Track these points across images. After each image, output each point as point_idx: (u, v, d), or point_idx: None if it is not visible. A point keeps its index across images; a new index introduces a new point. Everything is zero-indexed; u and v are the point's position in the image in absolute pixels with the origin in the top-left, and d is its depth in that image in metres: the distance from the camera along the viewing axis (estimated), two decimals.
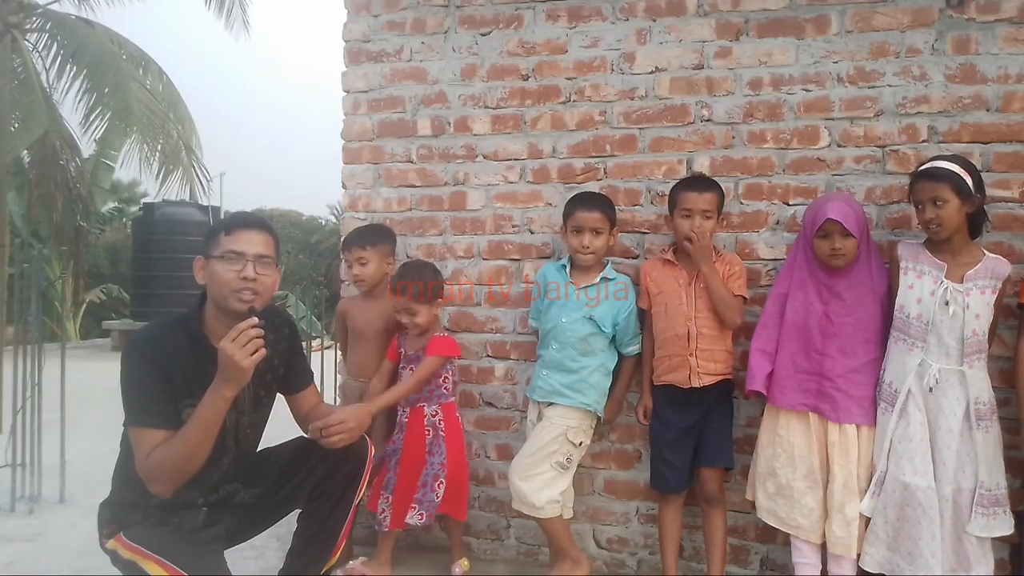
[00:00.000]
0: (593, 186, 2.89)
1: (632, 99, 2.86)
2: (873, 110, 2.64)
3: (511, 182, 3.00)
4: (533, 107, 2.96)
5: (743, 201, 2.77)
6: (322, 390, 3.18)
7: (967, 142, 2.56)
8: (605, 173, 2.90)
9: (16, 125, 8.19)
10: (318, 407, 2.31)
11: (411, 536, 3.12)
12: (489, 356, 3.03)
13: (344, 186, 3.21)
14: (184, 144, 9.84)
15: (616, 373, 2.75)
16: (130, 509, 2.01)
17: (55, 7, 9.22)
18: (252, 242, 2.00)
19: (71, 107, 8.77)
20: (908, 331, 2.33)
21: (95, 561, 2.39)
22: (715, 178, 2.73)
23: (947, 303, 2.26)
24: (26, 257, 4.31)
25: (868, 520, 2.34)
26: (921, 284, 2.32)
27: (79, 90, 8.56)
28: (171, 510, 2.01)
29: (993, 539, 2.24)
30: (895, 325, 2.38)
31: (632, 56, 2.85)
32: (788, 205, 2.73)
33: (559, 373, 2.67)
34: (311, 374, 2.37)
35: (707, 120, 2.79)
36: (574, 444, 2.64)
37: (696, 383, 2.56)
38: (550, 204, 2.93)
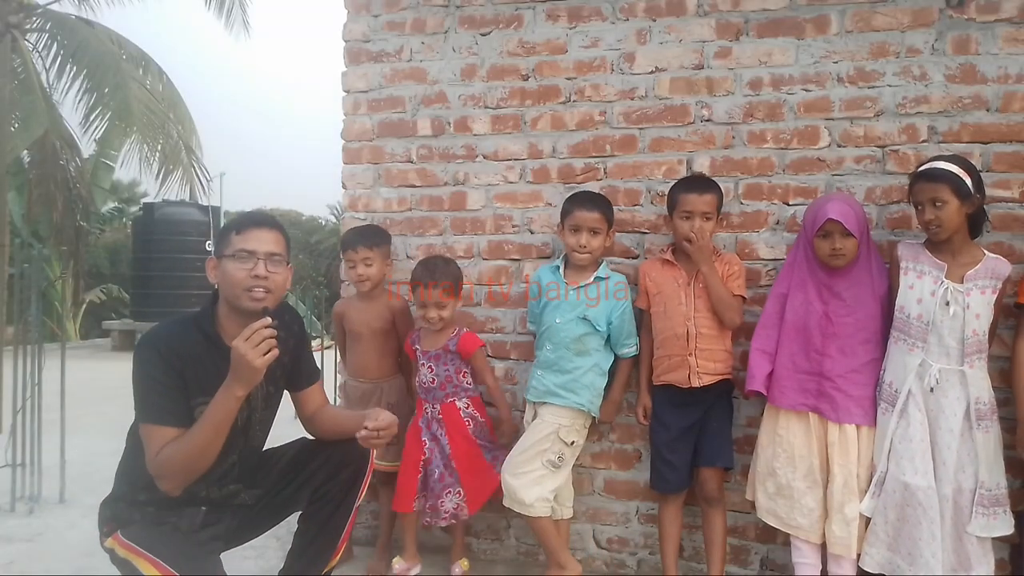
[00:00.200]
0: (593, 186, 2.89)
1: (632, 99, 2.86)
2: (873, 110, 2.64)
3: (511, 182, 3.00)
4: (533, 107, 2.96)
5: (743, 201, 2.77)
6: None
7: (967, 142, 2.56)
8: (605, 173, 2.90)
9: (16, 125, 8.18)
10: (325, 408, 2.30)
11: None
12: (489, 356, 3.03)
13: (344, 186, 3.21)
14: (184, 144, 9.83)
15: (612, 374, 2.74)
16: (130, 507, 2.01)
17: (55, 7, 9.21)
18: (263, 240, 2.02)
19: (71, 107, 8.77)
20: (908, 331, 2.33)
21: (95, 561, 2.40)
22: (715, 178, 2.73)
23: (947, 303, 2.26)
24: (26, 257, 4.30)
25: (868, 520, 2.34)
26: (921, 284, 2.32)
27: (79, 90, 8.55)
28: (170, 509, 2.01)
29: (993, 539, 2.24)
30: (895, 325, 2.38)
31: (632, 56, 2.85)
32: (788, 205, 2.73)
33: (553, 373, 2.67)
34: (318, 372, 2.37)
35: (707, 120, 2.79)
36: (566, 443, 2.63)
37: (695, 383, 2.56)
38: (550, 204, 2.93)
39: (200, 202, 10.89)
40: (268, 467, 2.23)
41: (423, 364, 2.80)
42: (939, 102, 2.58)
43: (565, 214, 2.72)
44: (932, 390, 2.26)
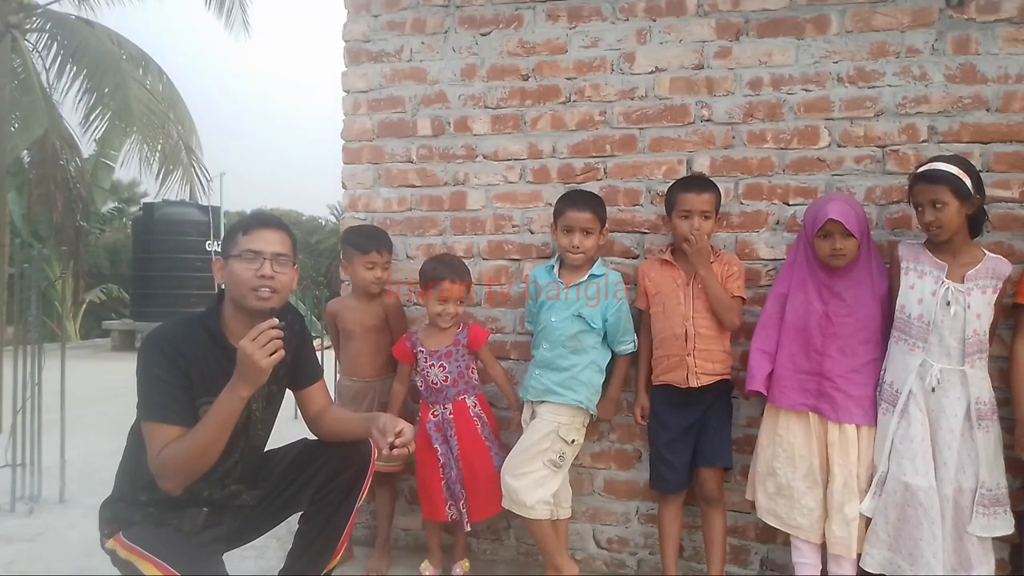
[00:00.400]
0: (593, 186, 2.89)
1: (632, 99, 2.86)
2: (873, 110, 2.64)
3: (511, 182, 3.00)
4: (533, 107, 2.96)
5: (743, 201, 2.77)
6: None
7: (967, 142, 2.56)
8: (605, 173, 2.90)
9: (16, 125, 8.18)
10: (329, 408, 2.30)
11: (411, 536, 3.12)
12: None
13: (344, 186, 3.21)
14: (184, 144, 9.82)
15: (610, 371, 2.74)
16: (130, 508, 2.01)
17: (55, 7, 9.20)
18: (269, 241, 2.03)
19: (71, 107, 8.77)
20: (909, 331, 2.33)
21: (95, 561, 2.40)
22: (715, 178, 2.73)
23: (948, 303, 2.26)
24: (26, 257, 4.30)
25: (868, 520, 2.34)
26: (922, 284, 2.32)
27: (79, 90, 8.55)
28: (171, 510, 2.01)
29: (993, 539, 2.24)
30: (896, 325, 2.38)
31: (632, 56, 2.85)
32: (788, 205, 2.73)
33: (551, 371, 2.67)
34: (320, 370, 2.36)
35: (707, 120, 2.79)
36: (566, 441, 2.63)
37: (694, 383, 2.56)
38: (550, 204, 2.93)
39: (200, 202, 10.88)
40: (269, 467, 2.23)
41: (432, 364, 2.76)
42: (939, 102, 2.58)
43: (557, 214, 2.72)
44: (933, 390, 2.26)
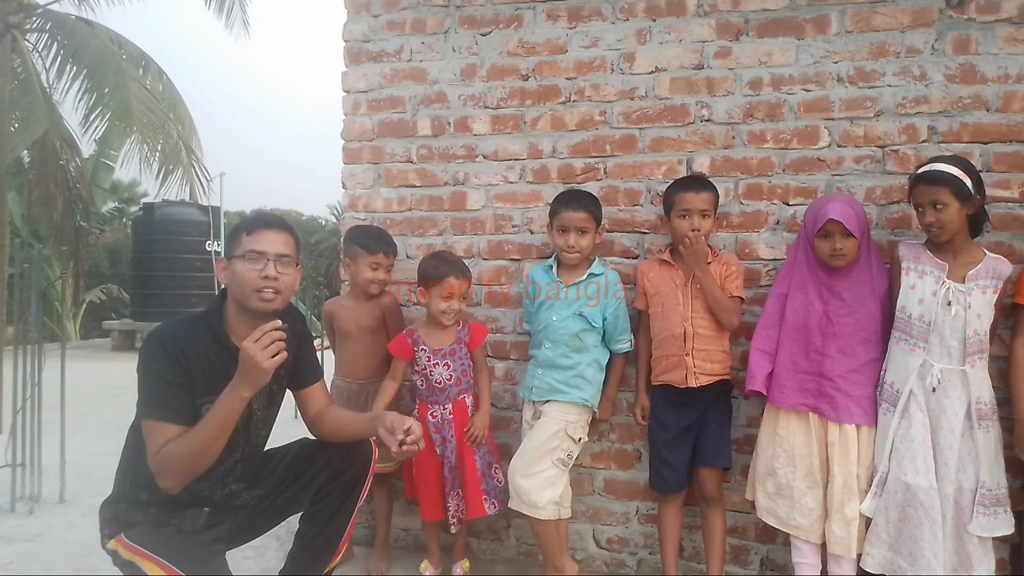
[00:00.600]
0: (593, 186, 2.89)
1: (632, 99, 2.86)
2: (873, 110, 2.64)
3: (511, 182, 3.00)
4: (533, 107, 2.96)
5: (743, 201, 2.77)
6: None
7: (967, 142, 2.56)
8: (605, 173, 2.90)
9: (16, 125, 8.18)
10: (330, 409, 2.29)
11: (411, 536, 3.12)
12: (489, 356, 3.03)
13: (344, 186, 3.21)
14: (184, 144, 9.84)
15: (607, 371, 2.75)
16: (131, 508, 2.01)
17: (55, 7, 9.22)
18: (272, 242, 2.04)
19: (71, 107, 8.78)
20: (910, 332, 2.33)
21: (95, 561, 2.40)
22: (715, 178, 2.73)
23: (949, 303, 2.26)
24: (26, 257, 4.30)
25: (868, 520, 2.34)
26: (923, 284, 2.32)
27: (79, 90, 8.56)
28: (172, 510, 2.01)
29: (993, 539, 2.24)
30: (896, 326, 2.38)
31: (632, 56, 2.85)
32: (788, 205, 2.73)
33: (554, 371, 2.67)
34: (320, 371, 2.36)
35: (707, 120, 2.79)
36: (574, 440, 2.64)
37: (693, 383, 2.56)
38: (550, 204, 2.93)
39: (200, 202, 10.89)
40: (270, 467, 2.23)
41: (436, 363, 2.74)
42: (939, 102, 2.58)
43: (553, 214, 2.72)
44: (934, 390, 2.26)
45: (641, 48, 2.84)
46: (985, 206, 2.35)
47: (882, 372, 2.41)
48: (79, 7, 9.61)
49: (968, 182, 2.23)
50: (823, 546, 2.43)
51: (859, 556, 2.35)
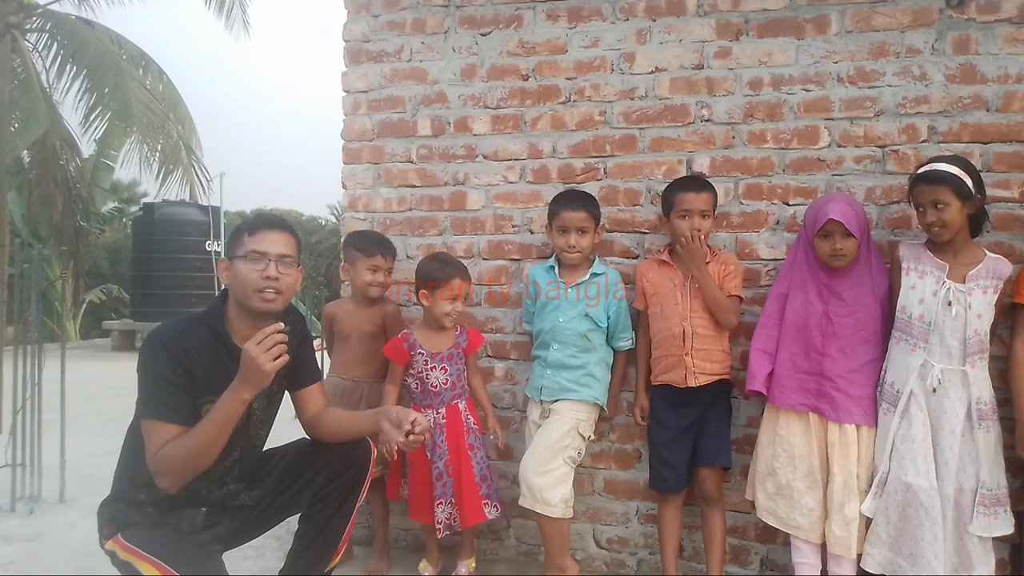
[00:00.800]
0: (593, 186, 2.89)
1: (632, 99, 2.86)
2: (873, 110, 2.64)
3: (511, 182, 3.00)
4: (533, 107, 2.96)
5: (743, 201, 2.77)
6: None
7: (967, 142, 2.56)
8: (605, 173, 2.90)
9: (16, 125, 8.18)
10: (328, 409, 2.28)
11: (411, 536, 3.12)
12: (489, 356, 3.03)
13: (344, 186, 3.21)
14: (184, 144, 9.83)
15: (610, 368, 2.76)
16: (129, 509, 2.01)
17: (55, 7, 9.21)
18: (274, 242, 2.05)
19: (71, 107, 8.78)
20: (910, 332, 2.33)
21: (95, 561, 2.40)
22: (715, 178, 2.73)
23: (949, 303, 2.26)
24: (26, 257, 4.30)
25: (868, 520, 2.34)
26: (923, 285, 2.32)
27: (79, 90, 8.56)
28: (170, 511, 2.01)
29: (993, 539, 2.24)
30: (897, 326, 2.38)
31: (632, 56, 2.85)
32: (788, 205, 2.73)
33: (563, 371, 2.68)
34: (319, 372, 2.36)
35: (707, 120, 2.79)
36: (583, 438, 2.66)
37: (692, 383, 2.57)
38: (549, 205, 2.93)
39: (200, 202, 10.89)
40: (268, 467, 2.23)
41: (433, 367, 2.73)
42: (939, 102, 2.58)
43: (552, 215, 2.73)
44: (934, 390, 2.26)
45: (641, 48, 2.84)
46: (985, 206, 2.35)
47: (882, 372, 2.41)
48: (79, 7, 9.62)
49: (968, 182, 2.22)
50: (823, 546, 2.43)
51: (859, 556, 2.35)
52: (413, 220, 3.12)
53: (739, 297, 2.61)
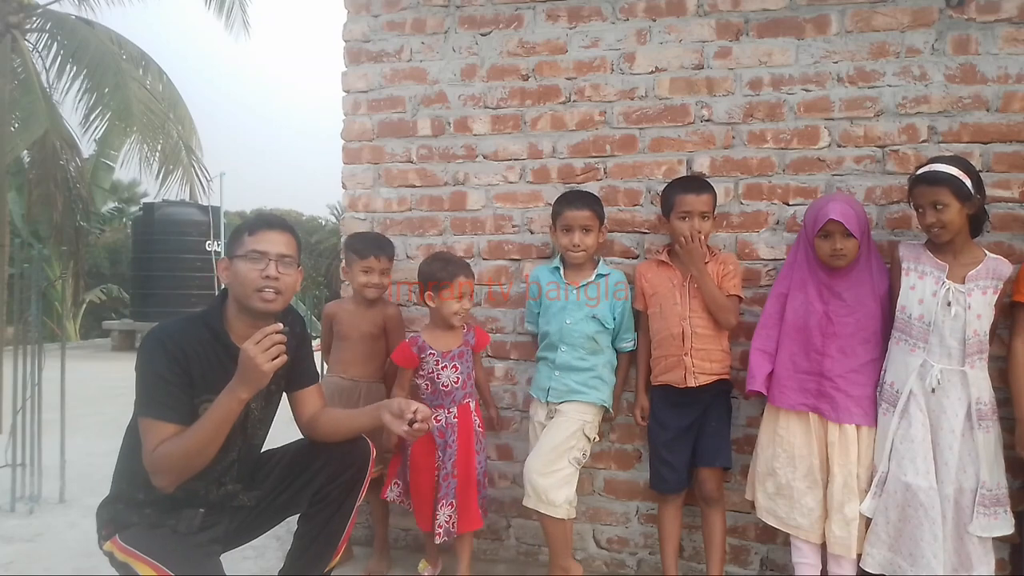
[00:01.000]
0: (593, 186, 2.89)
1: (632, 99, 2.86)
2: (873, 110, 2.64)
3: (511, 182, 3.00)
4: (533, 107, 2.96)
5: (743, 201, 2.77)
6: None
7: (967, 142, 2.56)
8: (605, 173, 2.90)
9: (16, 125, 8.18)
10: (325, 410, 2.28)
11: (411, 536, 3.12)
12: (489, 356, 3.03)
13: (344, 186, 3.21)
14: (184, 144, 9.84)
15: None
16: (128, 509, 2.01)
17: (55, 7, 9.21)
18: (274, 242, 2.05)
19: (71, 107, 8.78)
20: (910, 332, 2.33)
21: (95, 561, 2.39)
22: (715, 178, 2.73)
23: (949, 304, 2.26)
24: (26, 257, 4.30)
25: (868, 520, 2.34)
26: (923, 285, 2.32)
27: (79, 90, 8.56)
28: (168, 512, 2.01)
29: (993, 539, 2.24)
30: (896, 326, 2.38)
31: (632, 56, 2.85)
32: (788, 205, 2.73)
33: (572, 373, 2.68)
34: (317, 374, 2.36)
35: (707, 120, 2.79)
36: (589, 439, 2.66)
37: (692, 383, 2.57)
38: (550, 204, 2.92)
39: (200, 202, 10.90)
40: (267, 468, 2.22)
41: (444, 366, 2.69)
42: (939, 102, 2.58)
43: (556, 215, 2.73)
44: (934, 391, 2.26)
45: (641, 48, 2.84)
46: (985, 206, 2.35)
47: (882, 372, 2.41)
48: (79, 7, 9.62)
49: (968, 182, 2.22)
50: (823, 546, 2.43)
51: (859, 556, 2.35)
52: (413, 220, 3.12)
53: (739, 297, 2.61)
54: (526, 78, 2.97)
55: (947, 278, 2.28)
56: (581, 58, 2.91)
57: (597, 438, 2.73)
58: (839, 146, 2.67)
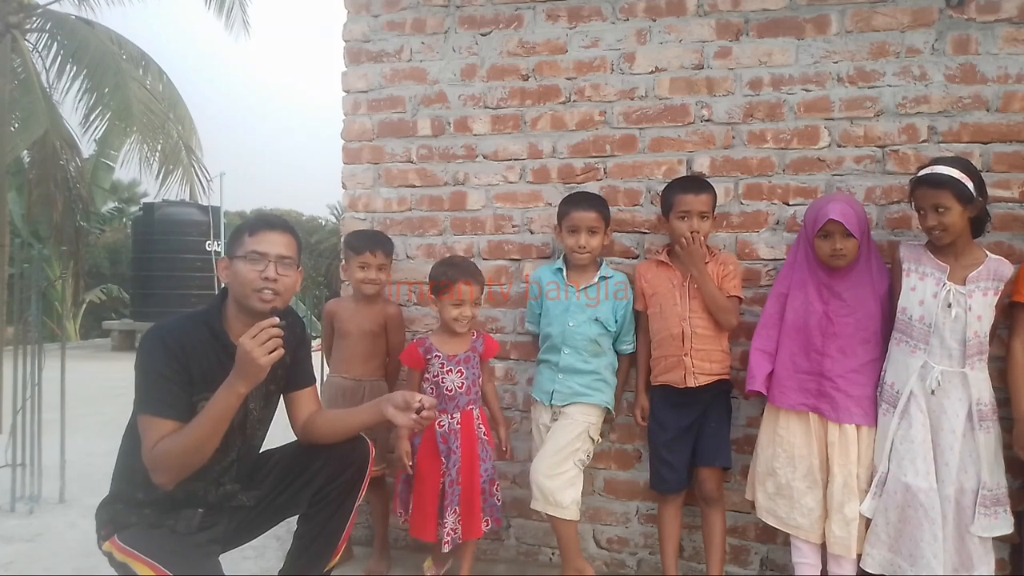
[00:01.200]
0: (593, 186, 2.89)
1: (632, 99, 2.86)
2: (873, 110, 2.63)
3: (511, 182, 3.00)
4: (533, 107, 2.96)
5: (743, 201, 2.77)
6: (322, 389, 3.17)
7: (967, 142, 2.56)
8: (605, 173, 2.90)
9: (16, 125, 8.18)
10: (320, 412, 2.28)
11: (411, 536, 3.11)
12: None
13: (344, 186, 3.21)
14: (184, 144, 9.84)
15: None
16: (127, 509, 2.01)
17: (55, 7, 9.21)
18: (274, 243, 2.05)
19: (71, 107, 8.78)
20: (910, 333, 2.33)
21: (95, 561, 2.39)
22: (715, 178, 2.73)
23: (949, 305, 2.26)
24: (26, 257, 4.30)
25: (868, 520, 2.34)
26: (923, 286, 2.32)
27: (79, 90, 8.56)
28: (167, 512, 2.01)
29: (993, 539, 2.24)
30: (897, 327, 2.37)
31: (632, 56, 2.85)
32: (788, 205, 2.72)
33: (575, 375, 2.67)
34: (313, 376, 2.36)
35: (707, 120, 2.79)
36: (593, 440, 2.67)
37: (692, 383, 2.57)
38: (550, 204, 2.93)
39: (200, 202, 10.90)
40: (266, 468, 2.22)
41: (449, 370, 2.67)
42: (939, 102, 2.58)
43: (562, 216, 2.72)
44: (934, 392, 2.26)
45: (641, 48, 2.84)
46: (987, 207, 2.35)
47: (882, 373, 2.41)
48: (79, 7, 9.62)
49: (970, 184, 2.21)
50: (823, 546, 2.43)
51: (859, 556, 2.35)
52: (413, 220, 3.12)
53: (738, 297, 2.61)
54: (526, 78, 2.97)
55: (948, 279, 2.28)
56: (581, 58, 2.91)
57: (600, 439, 2.73)
58: (839, 146, 2.67)
